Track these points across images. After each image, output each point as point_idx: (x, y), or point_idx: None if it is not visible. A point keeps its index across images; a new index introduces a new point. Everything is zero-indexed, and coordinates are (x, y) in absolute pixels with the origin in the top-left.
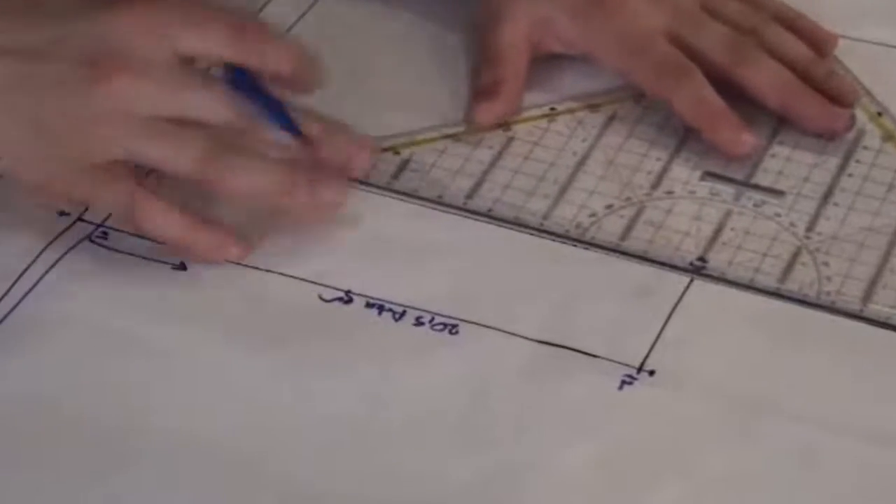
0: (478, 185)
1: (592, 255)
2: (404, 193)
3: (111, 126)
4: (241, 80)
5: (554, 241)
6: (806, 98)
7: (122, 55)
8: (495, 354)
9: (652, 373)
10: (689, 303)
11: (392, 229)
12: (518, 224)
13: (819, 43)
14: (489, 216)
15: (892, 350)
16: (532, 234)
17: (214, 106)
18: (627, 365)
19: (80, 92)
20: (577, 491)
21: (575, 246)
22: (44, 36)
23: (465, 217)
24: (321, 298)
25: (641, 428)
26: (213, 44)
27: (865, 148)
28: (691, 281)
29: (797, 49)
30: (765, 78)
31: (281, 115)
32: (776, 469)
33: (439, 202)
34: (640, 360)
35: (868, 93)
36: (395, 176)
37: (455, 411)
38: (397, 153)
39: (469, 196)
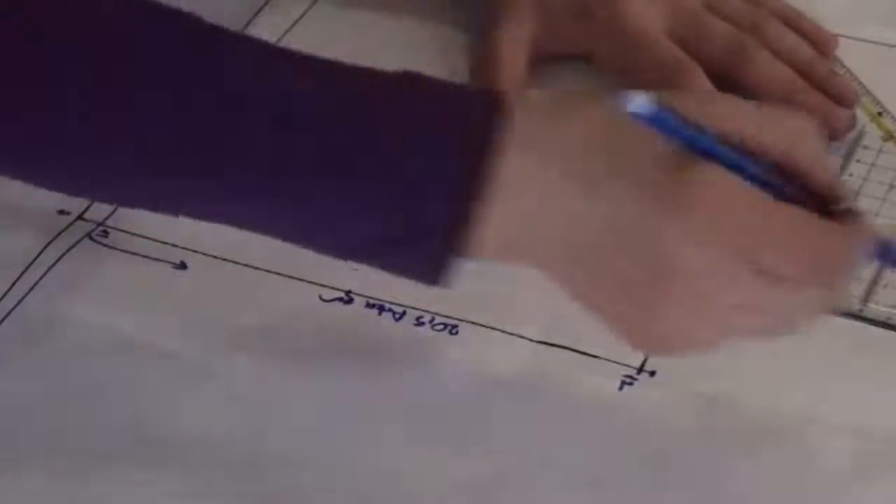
0: None
1: None
2: None
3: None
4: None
5: None
6: (808, 97)
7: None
8: (496, 355)
9: (652, 373)
10: None
11: None
12: None
13: (820, 42)
14: None
15: (892, 349)
16: None
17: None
18: (628, 365)
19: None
20: (578, 491)
21: None
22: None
23: None
24: (321, 299)
25: (641, 428)
26: (795, 267)
27: (866, 148)
28: None
29: (798, 48)
30: (767, 76)
31: None
32: (775, 470)
33: None
34: (641, 361)
35: (868, 92)
36: None
37: (456, 411)
38: None
39: None
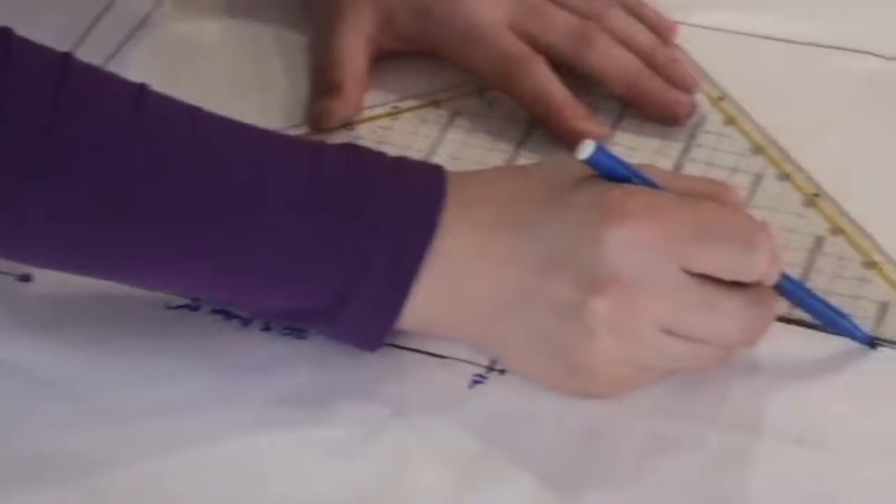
0: None
1: None
2: None
3: (616, 346)
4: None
5: None
6: (650, 83)
7: (623, 275)
8: (342, 358)
9: (502, 371)
10: None
11: None
12: None
13: (661, 30)
14: None
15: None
16: None
17: (726, 326)
18: (477, 364)
19: (578, 314)
20: (434, 491)
21: None
22: (546, 251)
23: None
24: (168, 307)
25: (493, 425)
26: (719, 262)
27: (707, 132)
28: None
29: (640, 35)
30: (610, 63)
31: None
32: (623, 461)
33: None
34: (490, 359)
35: (708, 78)
36: None
37: (302, 418)
38: None
39: None
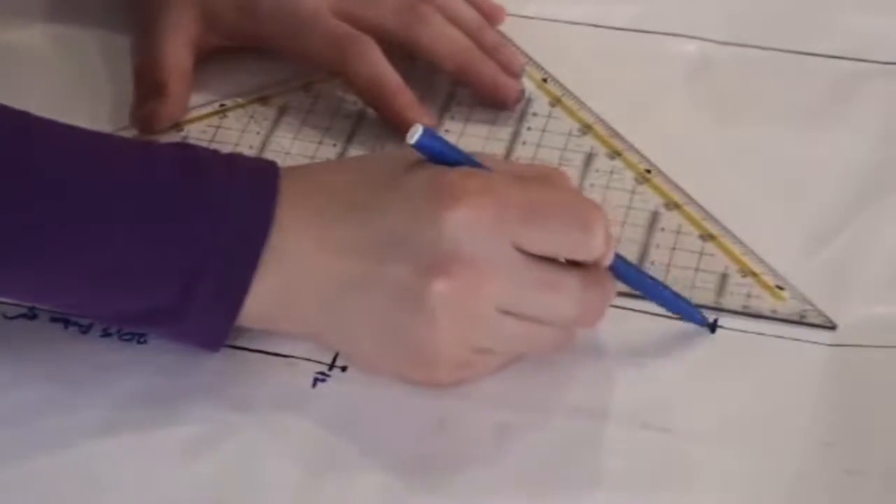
0: None
1: None
2: None
3: (457, 327)
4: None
5: None
6: (482, 65)
7: (461, 255)
8: (186, 361)
9: (344, 368)
10: None
11: None
12: None
13: (487, 13)
14: None
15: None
16: None
17: (564, 305)
18: (320, 362)
19: (419, 296)
20: (283, 487)
21: None
22: (383, 237)
23: None
24: (5, 316)
25: (338, 422)
26: (555, 241)
27: (535, 114)
28: None
29: (469, 14)
30: (440, 41)
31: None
32: (469, 451)
33: None
34: (332, 357)
35: (532, 61)
36: None
37: (150, 422)
38: None
39: None
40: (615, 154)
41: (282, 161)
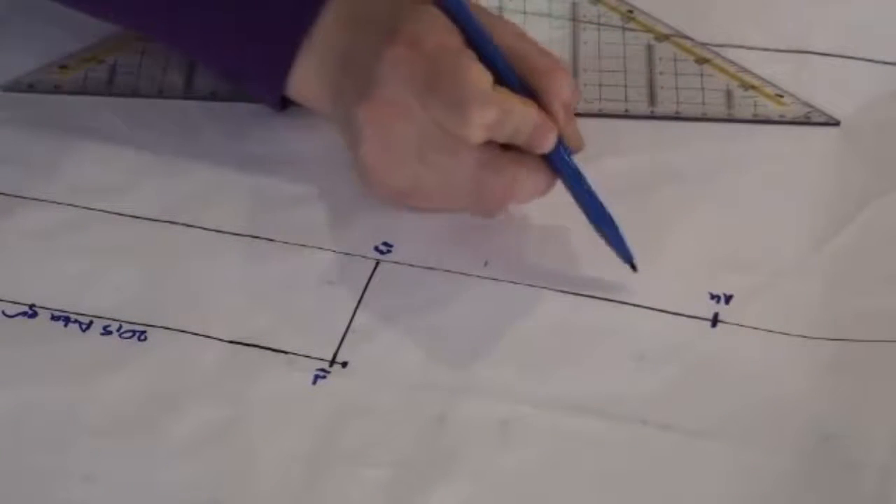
0: None
1: (277, 245)
2: None
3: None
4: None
5: (240, 237)
6: None
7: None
8: (186, 359)
9: (345, 364)
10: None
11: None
12: None
13: None
14: None
15: None
16: (219, 233)
17: (458, 173)
18: (320, 359)
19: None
20: (283, 486)
21: (257, 238)
22: (349, 52)
23: (147, 220)
24: (5, 314)
25: (337, 420)
26: (437, 111)
27: None
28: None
29: None
30: None
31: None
32: (473, 448)
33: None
34: (332, 353)
35: None
36: None
37: (150, 419)
38: None
39: None
40: (596, 1)
41: None
